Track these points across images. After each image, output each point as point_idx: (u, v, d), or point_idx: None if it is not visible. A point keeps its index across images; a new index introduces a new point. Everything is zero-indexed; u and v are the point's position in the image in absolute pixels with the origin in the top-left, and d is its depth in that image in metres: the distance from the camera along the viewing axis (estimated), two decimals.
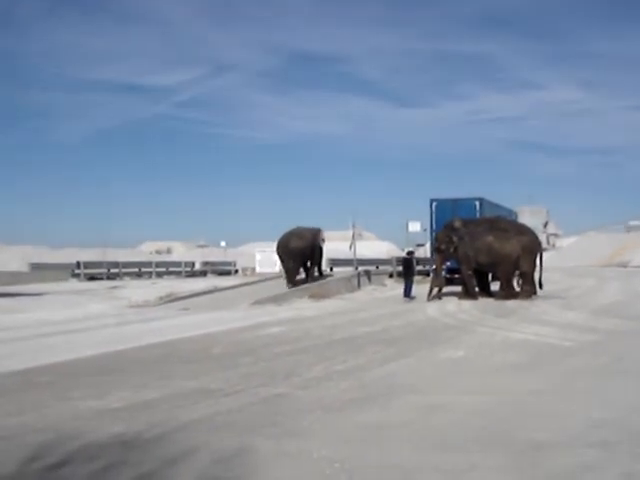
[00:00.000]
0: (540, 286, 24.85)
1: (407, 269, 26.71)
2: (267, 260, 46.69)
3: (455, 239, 24.99)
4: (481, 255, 24.73)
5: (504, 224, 27.01)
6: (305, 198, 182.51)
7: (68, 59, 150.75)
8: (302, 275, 31.94)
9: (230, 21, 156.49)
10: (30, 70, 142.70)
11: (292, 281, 30.40)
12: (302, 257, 31.03)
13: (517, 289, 25.23)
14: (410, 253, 28.01)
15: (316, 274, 32.67)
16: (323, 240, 32.84)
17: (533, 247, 25.51)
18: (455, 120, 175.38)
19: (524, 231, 26.50)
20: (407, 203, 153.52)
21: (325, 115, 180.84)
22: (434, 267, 26.91)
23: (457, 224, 25.63)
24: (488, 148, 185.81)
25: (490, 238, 24.88)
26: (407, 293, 25.55)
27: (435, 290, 25.56)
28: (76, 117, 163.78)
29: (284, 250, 31.08)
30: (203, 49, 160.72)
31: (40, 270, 48.12)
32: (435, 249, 26.51)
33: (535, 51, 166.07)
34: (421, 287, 28.22)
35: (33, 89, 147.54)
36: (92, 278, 46.27)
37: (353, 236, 37.55)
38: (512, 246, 24.71)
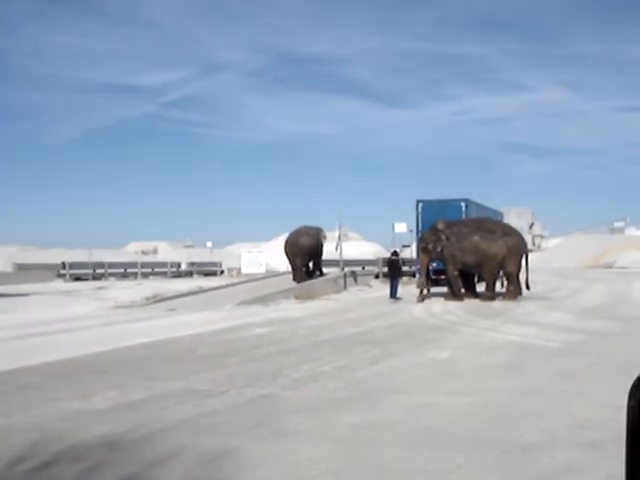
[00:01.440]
0: (527, 287, 24.97)
1: (392, 270, 26.73)
2: (253, 261, 46.69)
3: (442, 238, 25.04)
4: (467, 255, 24.79)
5: (490, 225, 27.11)
6: (292, 199, 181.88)
7: (57, 59, 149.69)
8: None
9: (219, 21, 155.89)
10: (18, 70, 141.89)
11: (300, 278, 31.29)
12: (310, 255, 32.15)
13: (503, 290, 25.38)
14: (395, 254, 28.02)
15: (317, 273, 33.51)
16: (325, 238, 33.83)
17: (519, 248, 25.63)
18: (442, 121, 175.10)
19: (510, 232, 26.62)
20: (393, 204, 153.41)
21: (313, 115, 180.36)
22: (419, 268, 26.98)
23: (441, 225, 25.72)
24: (474, 149, 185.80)
25: (476, 238, 24.96)
26: (393, 294, 25.55)
27: (424, 291, 25.65)
28: (64, 117, 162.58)
29: (293, 247, 32.12)
30: (192, 49, 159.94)
31: (25, 270, 47.87)
32: (421, 249, 26.55)
33: (521, 53, 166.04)
34: (408, 288, 28.30)
35: (21, 89, 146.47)
36: (78, 279, 46.08)
37: (339, 237, 37.50)
38: (498, 247, 24.80)
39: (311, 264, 32.86)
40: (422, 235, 27.54)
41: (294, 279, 31.56)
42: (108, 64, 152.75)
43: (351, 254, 55.11)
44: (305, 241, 31.96)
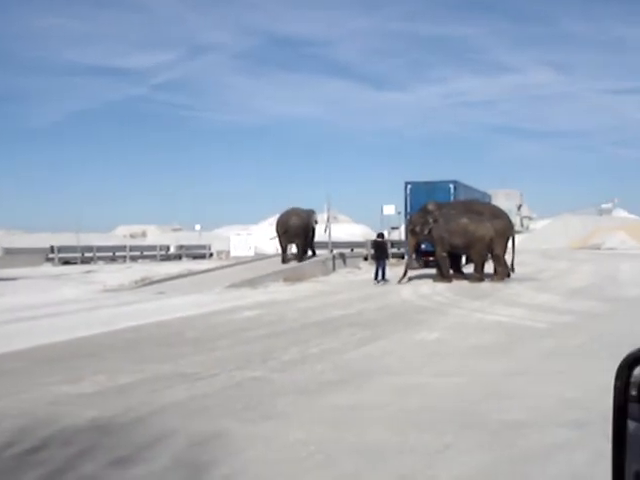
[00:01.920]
0: (512, 269, 25.12)
1: (379, 252, 26.71)
2: (242, 244, 46.58)
3: (430, 221, 25.07)
4: (455, 237, 24.83)
5: (479, 207, 27.15)
6: (280, 181, 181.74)
7: (42, 42, 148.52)
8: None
9: (206, 3, 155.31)
10: (2, 53, 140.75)
11: (287, 259, 31.93)
12: (300, 235, 32.21)
13: (491, 271, 25.49)
14: (380, 236, 27.99)
15: (309, 253, 33.69)
16: (316, 222, 33.98)
17: (506, 230, 25.73)
18: (430, 103, 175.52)
19: (498, 214, 26.67)
20: (382, 186, 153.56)
21: (301, 98, 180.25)
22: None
23: (431, 207, 25.76)
24: (462, 131, 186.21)
25: (464, 220, 24.99)
26: (378, 276, 25.49)
27: (408, 272, 25.69)
28: (50, 100, 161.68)
29: (284, 228, 32.30)
30: (179, 31, 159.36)
31: (13, 255, 47.58)
32: (409, 231, 26.58)
33: (510, 34, 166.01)
34: (395, 270, 28.33)
35: (5, 72, 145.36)
36: (66, 262, 45.90)
37: (328, 219, 37.48)
38: (486, 229, 24.86)
39: (299, 246, 32.90)
40: (410, 217, 27.56)
41: (282, 261, 31.87)
42: (94, 46, 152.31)
43: (340, 236, 55.17)
44: (295, 222, 32.12)
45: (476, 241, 24.68)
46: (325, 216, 38.31)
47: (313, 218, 33.48)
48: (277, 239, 33.42)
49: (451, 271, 25.49)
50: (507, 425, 6.28)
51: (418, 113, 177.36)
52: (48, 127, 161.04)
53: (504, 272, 24.92)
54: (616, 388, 1.67)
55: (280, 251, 33.43)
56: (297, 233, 32.16)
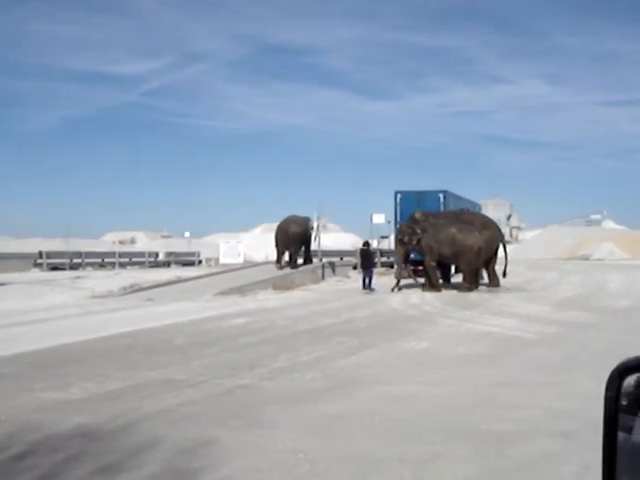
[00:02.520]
0: (504, 275, 25.34)
1: (365, 261, 26.69)
2: (231, 251, 46.50)
3: (418, 231, 25.12)
4: (443, 247, 24.91)
5: (469, 217, 27.23)
6: (271, 189, 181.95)
7: (36, 47, 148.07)
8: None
9: (200, 10, 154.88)
10: None
11: (282, 266, 32.55)
12: (299, 242, 33.10)
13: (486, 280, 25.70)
14: (366, 244, 28.01)
15: (300, 261, 34.19)
16: (312, 228, 34.61)
17: (496, 240, 25.88)
18: (422, 113, 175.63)
19: (487, 224, 26.79)
20: (373, 195, 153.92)
21: (293, 106, 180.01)
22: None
23: (418, 216, 25.92)
24: (454, 141, 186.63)
25: (453, 230, 25.07)
26: (366, 285, 25.48)
27: (400, 282, 25.73)
28: (43, 106, 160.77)
29: (283, 235, 33.07)
30: (172, 38, 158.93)
31: (1, 260, 47.43)
32: (397, 241, 26.62)
33: (502, 45, 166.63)
34: (383, 279, 28.38)
35: (0, 77, 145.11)
36: (55, 268, 45.68)
37: (318, 227, 37.50)
38: (474, 238, 24.95)
39: (294, 253, 33.49)
40: (399, 227, 27.57)
41: (279, 267, 32.50)
42: (88, 53, 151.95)
43: (329, 245, 55.17)
44: (294, 229, 32.88)
45: (464, 251, 24.75)
46: (315, 225, 38.36)
47: (310, 225, 34.15)
48: (275, 245, 34.03)
49: (440, 280, 25.55)
50: (496, 435, 6.29)
51: (410, 123, 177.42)
52: (40, 133, 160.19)
53: (495, 281, 25.07)
54: (607, 398, 1.67)
55: (276, 256, 33.95)
56: (295, 240, 32.83)
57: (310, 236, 34.41)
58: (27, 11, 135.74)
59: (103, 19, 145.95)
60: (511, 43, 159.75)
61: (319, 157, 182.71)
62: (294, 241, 32.83)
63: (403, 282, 26.36)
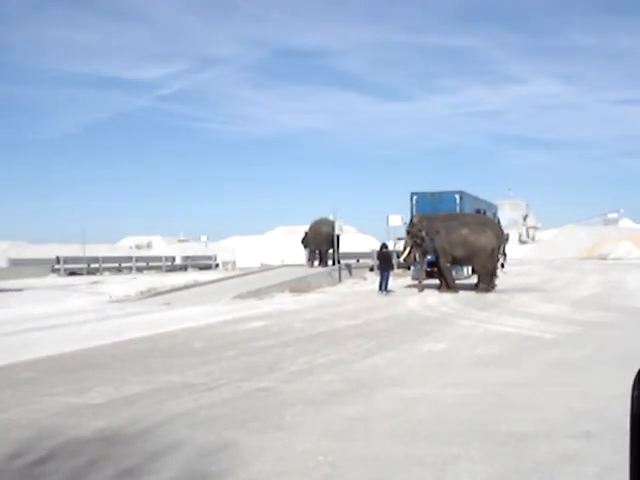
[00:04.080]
0: (502, 266, 26.77)
1: (383, 263, 26.73)
2: (248, 254, 46.59)
3: (423, 234, 25.29)
4: (456, 249, 24.93)
5: (466, 218, 27.14)
6: (287, 192, 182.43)
7: (52, 54, 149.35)
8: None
9: (215, 15, 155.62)
10: (13, 65, 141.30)
11: (314, 264, 35.23)
12: (329, 242, 35.10)
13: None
14: (385, 246, 28.03)
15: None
16: (342, 230, 36.73)
17: (498, 239, 26.05)
18: (437, 114, 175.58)
19: (485, 224, 26.83)
20: (389, 197, 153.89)
21: (309, 109, 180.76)
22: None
23: (415, 220, 26.24)
24: (470, 141, 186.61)
25: (464, 231, 25.07)
26: (382, 287, 25.51)
27: (421, 282, 26.00)
28: (59, 112, 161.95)
29: (315, 235, 35.66)
30: (188, 43, 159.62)
31: (19, 266, 47.69)
32: (412, 244, 26.74)
33: (516, 44, 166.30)
34: (400, 281, 28.36)
35: (16, 84, 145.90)
36: (72, 273, 45.94)
37: (334, 230, 37.55)
38: (487, 238, 24.98)
39: (325, 253, 36.10)
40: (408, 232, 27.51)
41: (310, 265, 35.55)
42: (104, 58, 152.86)
43: (346, 247, 55.08)
44: (326, 229, 34.97)
45: (478, 252, 24.76)
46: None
47: (338, 227, 35.89)
48: (308, 245, 36.84)
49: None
50: (515, 436, 6.26)
51: (425, 124, 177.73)
52: (56, 138, 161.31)
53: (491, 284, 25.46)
54: (633, 398, 1.66)
55: (308, 255, 37.26)
56: (327, 240, 34.99)
57: (339, 237, 36.05)
58: (44, 18, 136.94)
59: (119, 25, 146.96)
60: (525, 42, 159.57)
61: (335, 159, 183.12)
62: (326, 241, 34.88)
63: (407, 283, 26.56)
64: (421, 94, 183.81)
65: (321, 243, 35.22)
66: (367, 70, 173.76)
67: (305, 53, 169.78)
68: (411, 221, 26.91)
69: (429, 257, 27.40)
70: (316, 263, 35.86)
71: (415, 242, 26.02)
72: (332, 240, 35.05)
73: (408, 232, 26.34)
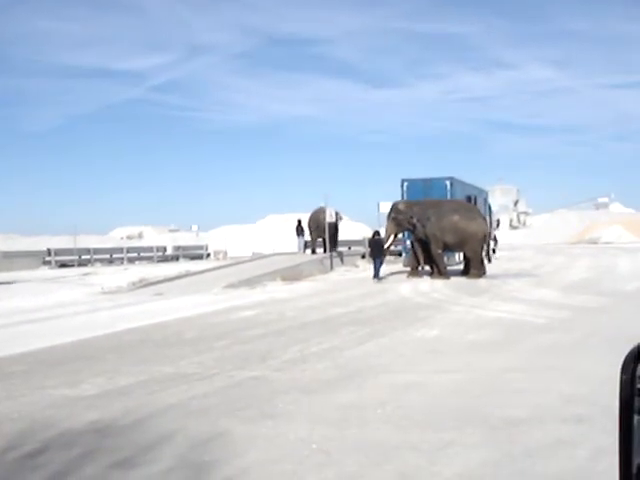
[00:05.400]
0: (494, 251, 26.81)
1: (375, 250, 26.77)
2: (239, 243, 46.52)
3: (415, 220, 25.37)
4: (447, 235, 24.98)
5: (450, 204, 27.14)
6: (278, 180, 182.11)
7: (40, 45, 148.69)
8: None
9: (204, 4, 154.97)
10: (1, 56, 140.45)
11: (328, 249, 35.15)
12: (329, 230, 35.34)
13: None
14: (376, 233, 28.01)
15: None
16: (341, 219, 37.85)
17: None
18: (428, 100, 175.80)
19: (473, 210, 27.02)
20: (380, 184, 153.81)
21: (299, 97, 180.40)
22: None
23: (401, 207, 26.29)
24: (461, 127, 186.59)
25: (455, 218, 25.12)
26: (376, 274, 25.57)
27: (415, 268, 26.20)
28: (48, 103, 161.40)
29: (316, 224, 35.91)
30: (177, 32, 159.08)
31: (10, 258, 47.41)
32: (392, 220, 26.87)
33: (508, 30, 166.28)
34: (391, 267, 28.41)
35: (5, 75, 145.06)
36: (63, 265, 45.75)
37: (324, 217, 37.55)
38: (477, 224, 25.06)
39: (327, 240, 35.93)
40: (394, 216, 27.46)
41: (312, 251, 36.16)
42: (92, 49, 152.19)
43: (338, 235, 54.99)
44: (324, 218, 35.16)
45: (469, 238, 24.83)
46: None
47: (339, 216, 36.89)
48: (309, 233, 37.26)
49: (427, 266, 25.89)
50: (508, 421, 6.28)
51: (416, 110, 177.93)
52: (46, 130, 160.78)
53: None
54: (622, 382, 1.66)
55: (311, 242, 37.59)
56: (329, 228, 35.18)
57: (337, 225, 36.69)
58: (31, 8, 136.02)
59: (108, 15, 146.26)
60: (516, 28, 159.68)
61: (326, 147, 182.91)
62: (325, 228, 35.06)
63: (394, 269, 26.75)
64: (412, 81, 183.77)
65: (321, 232, 35.54)
66: (357, 57, 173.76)
67: (295, 41, 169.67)
68: (392, 208, 26.89)
69: (408, 242, 27.87)
70: (320, 250, 36.14)
71: (407, 229, 26.14)
72: (333, 227, 35.60)
73: (393, 218, 26.32)
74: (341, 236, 38.08)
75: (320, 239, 36.18)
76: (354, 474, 5.16)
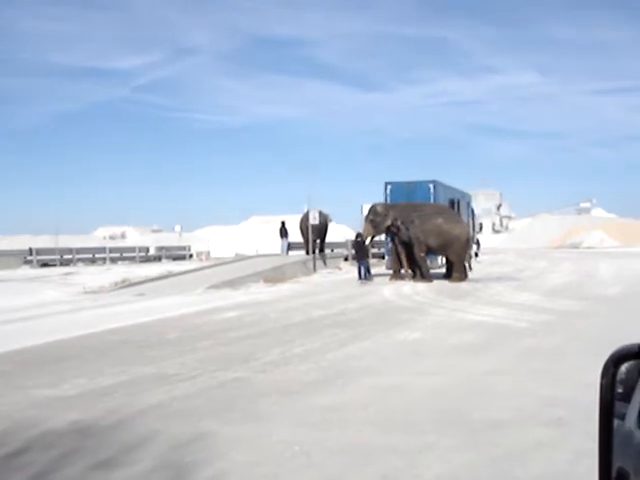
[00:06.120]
0: (476, 255, 26.84)
1: (358, 252, 26.87)
2: (222, 244, 46.42)
3: (399, 222, 25.50)
4: (430, 238, 25.07)
5: (428, 208, 27.27)
6: (262, 182, 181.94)
7: (26, 43, 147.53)
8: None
9: (191, 4, 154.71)
10: None
11: (310, 251, 35.46)
12: (319, 232, 36.10)
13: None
14: (359, 236, 28.10)
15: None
16: (331, 220, 38.85)
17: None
18: (413, 104, 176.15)
19: (443, 213, 27.13)
20: (364, 186, 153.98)
21: (284, 99, 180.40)
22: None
23: (379, 209, 26.45)
24: (445, 131, 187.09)
25: (439, 221, 25.25)
26: (363, 275, 25.67)
27: (397, 271, 26.28)
28: (32, 102, 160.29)
29: (306, 225, 35.96)
30: (163, 32, 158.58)
31: None
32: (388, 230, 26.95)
33: (493, 36, 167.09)
34: (374, 270, 28.46)
35: None
36: (45, 265, 45.47)
37: (308, 219, 37.58)
38: (461, 228, 25.20)
39: (317, 242, 36.63)
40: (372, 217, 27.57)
41: (306, 252, 36.00)
42: (78, 48, 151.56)
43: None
44: (320, 220, 35.58)
45: (452, 241, 24.94)
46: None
47: (328, 219, 37.90)
48: (301, 235, 37.34)
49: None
50: (489, 424, 6.31)
51: (401, 114, 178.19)
52: (30, 129, 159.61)
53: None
54: (602, 386, 1.67)
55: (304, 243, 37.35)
56: (320, 230, 35.97)
57: (327, 227, 37.62)
58: (17, 7, 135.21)
59: (94, 14, 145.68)
60: (501, 34, 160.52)
61: (310, 149, 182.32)
62: (317, 231, 35.71)
63: (377, 272, 26.83)
64: (397, 84, 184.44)
65: (314, 233, 35.77)
66: (344, 60, 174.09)
67: (281, 42, 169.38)
68: (370, 210, 27.01)
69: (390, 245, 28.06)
70: (302, 252, 36.66)
71: (386, 232, 26.33)
72: (323, 229, 36.30)
73: (371, 220, 26.43)
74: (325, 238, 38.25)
75: (318, 240, 36.68)
76: (336, 476, 5.18)
